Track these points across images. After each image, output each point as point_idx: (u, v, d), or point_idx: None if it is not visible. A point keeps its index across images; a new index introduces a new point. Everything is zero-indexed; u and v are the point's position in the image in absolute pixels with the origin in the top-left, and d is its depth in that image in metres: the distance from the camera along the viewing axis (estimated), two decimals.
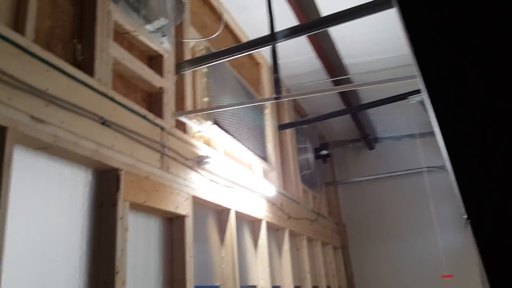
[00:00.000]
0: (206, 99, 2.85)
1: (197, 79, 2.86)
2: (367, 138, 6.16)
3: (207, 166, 2.67)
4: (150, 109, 2.44)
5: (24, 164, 1.60)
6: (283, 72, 4.33)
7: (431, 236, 5.38)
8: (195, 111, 2.55)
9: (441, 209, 5.48)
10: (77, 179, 1.82)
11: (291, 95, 3.54)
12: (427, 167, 5.32)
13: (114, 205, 1.87)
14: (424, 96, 0.94)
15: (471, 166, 0.78)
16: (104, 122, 1.88)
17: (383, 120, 6.02)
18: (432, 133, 5.92)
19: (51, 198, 1.68)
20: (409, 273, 5.67)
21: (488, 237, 0.74)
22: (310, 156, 4.98)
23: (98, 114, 1.85)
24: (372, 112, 5.71)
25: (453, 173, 0.80)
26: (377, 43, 4.00)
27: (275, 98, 2.22)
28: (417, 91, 3.69)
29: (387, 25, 3.69)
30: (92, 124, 1.82)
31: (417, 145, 5.31)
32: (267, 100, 3.34)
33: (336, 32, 3.85)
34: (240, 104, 2.58)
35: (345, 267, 5.83)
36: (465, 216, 0.76)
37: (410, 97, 3.66)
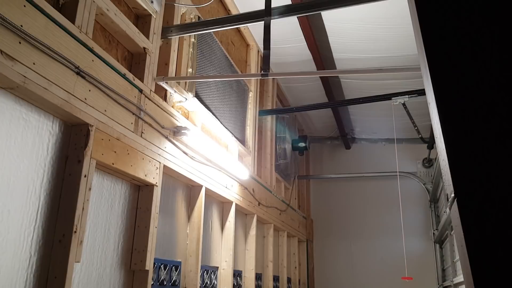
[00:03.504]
0: (190, 70, 2.75)
1: (183, 48, 2.75)
2: (345, 137, 6.19)
3: (183, 138, 2.58)
4: (130, 70, 2.32)
5: None
6: (271, 58, 4.24)
7: (395, 239, 5.47)
8: (178, 78, 2.45)
9: (408, 214, 5.58)
10: (43, 128, 1.71)
11: (278, 73, 3.47)
12: (399, 172, 5.38)
13: (79, 161, 1.76)
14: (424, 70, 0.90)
15: (463, 140, 0.76)
16: (79, 72, 1.76)
17: (362, 121, 6.06)
18: (408, 140, 6.01)
19: (12, 143, 1.57)
20: (370, 273, 5.76)
21: (474, 215, 0.72)
22: (288, 146, 4.95)
23: (73, 62, 1.74)
24: (353, 112, 5.73)
25: (445, 147, 0.77)
26: (369, 41, 3.98)
27: (262, 75, 2.15)
28: (401, 93, 3.70)
29: (382, 24, 3.67)
30: (66, 72, 1.70)
31: (392, 150, 5.37)
32: (253, 75, 3.26)
33: (331, 24, 3.80)
34: (225, 77, 2.49)
35: (307, 261, 5.86)
36: (452, 195, 0.73)
37: (394, 98, 3.67)
